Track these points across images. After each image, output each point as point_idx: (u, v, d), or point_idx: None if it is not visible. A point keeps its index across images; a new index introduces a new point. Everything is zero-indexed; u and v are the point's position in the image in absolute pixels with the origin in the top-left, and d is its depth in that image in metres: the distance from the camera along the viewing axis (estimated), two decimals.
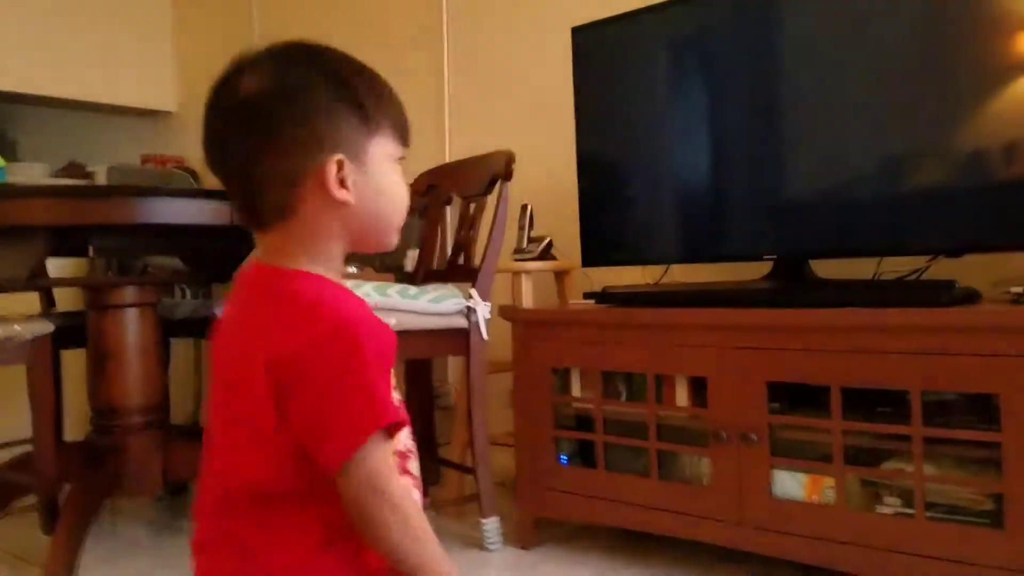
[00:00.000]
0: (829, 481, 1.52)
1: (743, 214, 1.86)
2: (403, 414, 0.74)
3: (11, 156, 2.24)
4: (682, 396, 1.73)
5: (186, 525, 2.23)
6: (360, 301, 0.77)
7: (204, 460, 0.79)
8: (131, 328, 2.02)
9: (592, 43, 2.04)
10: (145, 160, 3.44)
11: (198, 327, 2.53)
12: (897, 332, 1.43)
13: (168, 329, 2.33)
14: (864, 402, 1.50)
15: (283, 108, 0.75)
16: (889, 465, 1.49)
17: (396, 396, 0.78)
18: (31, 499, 2.03)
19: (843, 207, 1.71)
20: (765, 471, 1.58)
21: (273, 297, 0.76)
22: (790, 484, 1.57)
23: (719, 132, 1.89)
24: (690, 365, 1.69)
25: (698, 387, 1.69)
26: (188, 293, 3.05)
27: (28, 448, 2.23)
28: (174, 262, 2.67)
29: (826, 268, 1.81)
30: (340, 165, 0.76)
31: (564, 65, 2.11)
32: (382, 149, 0.80)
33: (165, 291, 2.76)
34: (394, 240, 0.83)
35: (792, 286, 1.78)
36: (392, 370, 0.77)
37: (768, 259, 1.83)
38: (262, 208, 0.76)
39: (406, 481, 0.80)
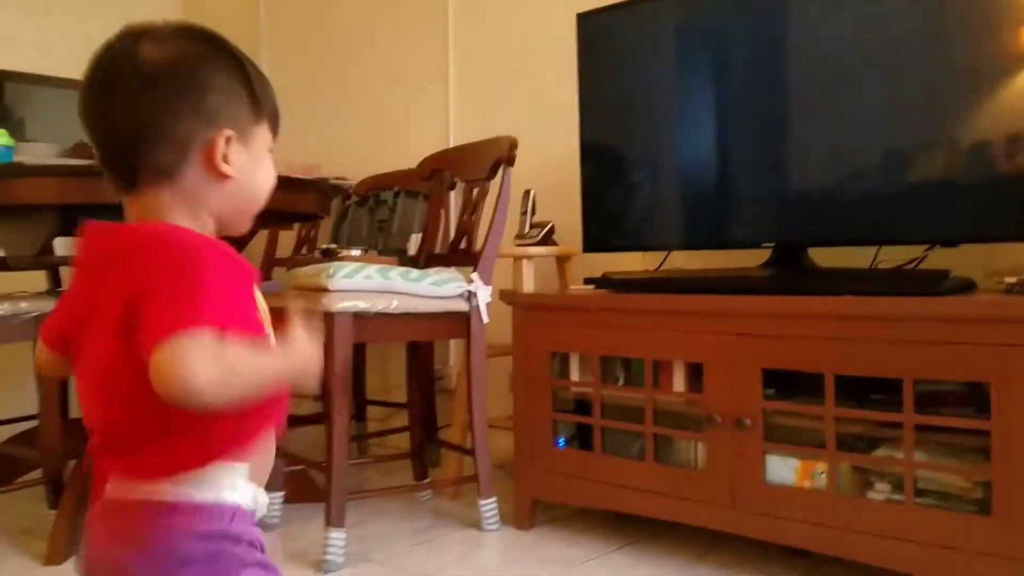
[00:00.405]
0: (821, 467, 1.54)
1: (743, 201, 1.87)
2: (255, 331, 0.75)
3: (20, 136, 2.27)
4: (679, 381, 1.74)
5: None
6: (224, 244, 0.77)
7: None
8: None
9: (597, 29, 2.05)
10: None
11: None
12: (891, 320, 1.45)
13: None
14: (857, 389, 1.51)
15: (186, 77, 0.78)
16: (880, 452, 1.51)
17: (266, 329, 0.79)
18: (37, 474, 2.07)
19: (842, 196, 1.72)
20: (758, 456, 1.60)
21: (138, 244, 0.76)
22: (783, 469, 1.59)
23: (722, 120, 1.90)
24: (687, 351, 1.71)
25: (695, 372, 1.71)
26: None
27: (33, 424, 2.27)
28: None
29: (824, 257, 1.83)
30: (228, 141, 0.79)
31: (568, 51, 2.11)
32: (263, 136, 0.83)
33: None
34: (247, 226, 0.85)
35: (789, 273, 1.79)
36: (261, 309, 0.79)
37: (767, 246, 1.85)
38: (143, 168, 0.77)
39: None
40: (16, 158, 1.97)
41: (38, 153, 2.24)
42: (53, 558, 1.78)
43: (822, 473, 1.54)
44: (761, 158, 1.82)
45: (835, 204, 1.73)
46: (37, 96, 3.39)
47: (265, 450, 0.82)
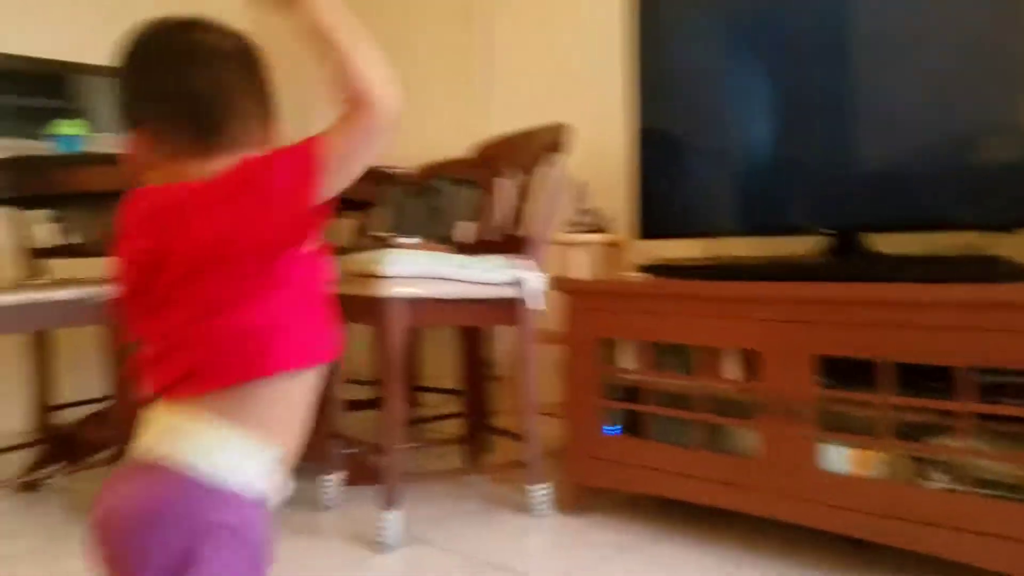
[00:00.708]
0: (876, 455, 1.53)
1: (801, 187, 1.85)
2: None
3: (88, 126, 2.37)
4: (732, 369, 1.74)
5: None
6: None
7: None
8: None
9: (654, 12, 2.04)
10: None
11: None
12: (948, 307, 1.43)
13: None
14: (912, 377, 1.49)
15: (265, 66, 0.86)
16: (936, 440, 1.49)
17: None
18: (108, 454, 2.16)
19: (901, 180, 1.69)
20: (812, 444, 1.59)
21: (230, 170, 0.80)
22: (836, 458, 1.58)
23: (779, 104, 1.88)
24: (740, 338, 1.70)
25: (748, 360, 1.70)
26: None
27: (103, 405, 2.37)
28: None
29: (881, 243, 1.80)
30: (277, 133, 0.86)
31: (618, 37, 2.11)
32: None
33: None
34: None
35: (844, 260, 1.77)
36: None
37: (824, 233, 1.83)
38: (219, 133, 0.81)
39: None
40: (86, 148, 2.06)
41: (106, 143, 2.33)
42: None
43: (877, 462, 1.53)
44: (819, 143, 1.80)
45: (894, 189, 1.70)
46: (100, 87, 3.51)
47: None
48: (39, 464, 2.25)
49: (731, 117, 1.94)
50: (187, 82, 0.81)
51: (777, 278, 1.68)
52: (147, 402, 0.80)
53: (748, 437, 1.74)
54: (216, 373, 0.76)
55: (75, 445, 2.29)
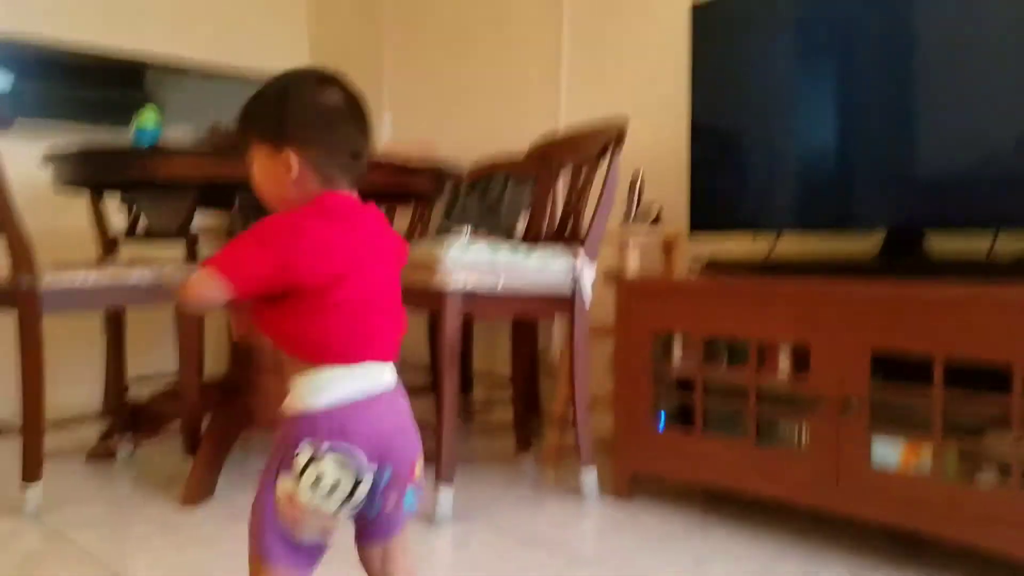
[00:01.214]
0: (927, 450, 1.54)
1: (858, 184, 1.86)
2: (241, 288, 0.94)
3: (162, 119, 2.50)
4: (784, 363, 1.76)
5: None
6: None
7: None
8: None
9: (713, 7, 2.07)
10: None
11: None
12: (1003, 307, 1.43)
13: None
14: (965, 373, 1.50)
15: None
16: (988, 437, 1.50)
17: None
18: (177, 425, 2.27)
19: (960, 180, 1.69)
20: (864, 439, 1.60)
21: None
22: (888, 452, 1.59)
23: (837, 99, 1.89)
24: (794, 333, 1.72)
25: (800, 355, 1.72)
26: None
27: (173, 380, 2.48)
28: None
29: (939, 242, 1.80)
30: None
31: (678, 32, 2.14)
32: None
33: None
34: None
35: (901, 258, 1.78)
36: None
37: (881, 230, 1.84)
38: (359, 180, 1.06)
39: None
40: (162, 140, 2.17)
41: (178, 135, 2.44)
42: (189, 500, 1.96)
43: (928, 457, 1.54)
44: (878, 140, 1.81)
45: (953, 188, 1.70)
46: (175, 82, 3.65)
47: None
48: (110, 435, 2.37)
49: (788, 112, 1.96)
50: (366, 142, 1.07)
51: (832, 275, 1.69)
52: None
53: (798, 431, 1.75)
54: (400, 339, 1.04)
55: (145, 418, 2.40)
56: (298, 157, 0.99)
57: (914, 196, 1.77)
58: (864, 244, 1.89)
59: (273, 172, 1.01)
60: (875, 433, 1.60)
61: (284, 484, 0.94)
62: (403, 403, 1.01)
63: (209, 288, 0.92)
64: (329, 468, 0.93)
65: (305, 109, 1.02)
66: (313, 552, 0.98)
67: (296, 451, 0.93)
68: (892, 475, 1.57)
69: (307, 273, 0.94)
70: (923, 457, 1.55)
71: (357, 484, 0.94)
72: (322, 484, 0.93)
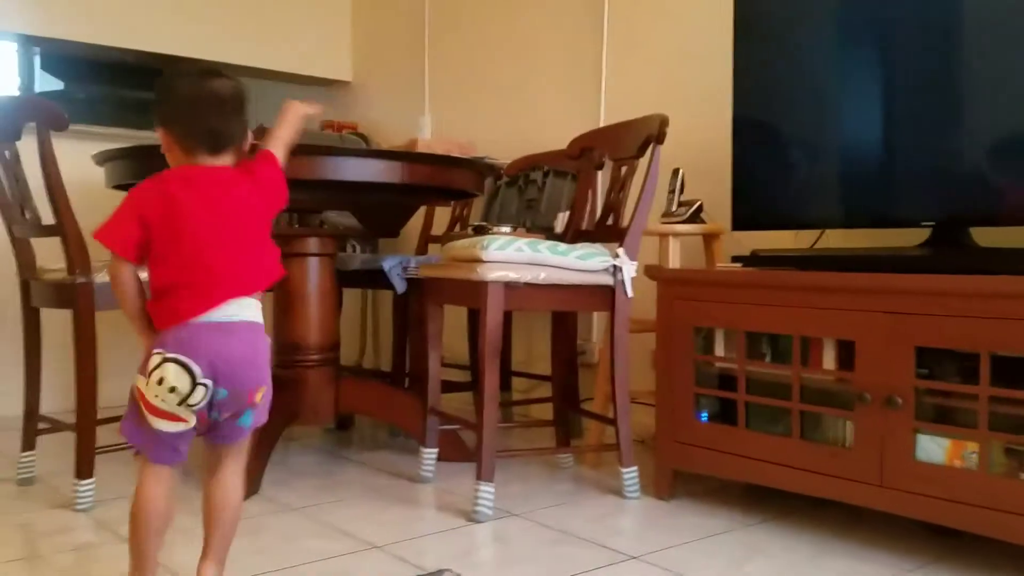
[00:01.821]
0: (972, 446, 1.51)
1: (903, 178, 1.83)
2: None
3: None
4: (828, 359, 1.74)
5: (351, 456, 2.47)
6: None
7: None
8: (313, 275, 2.26)
9: (755, 7, 2.05)
10: (323, 126, 3.72)
11: (367, 279, 2.75)
12: None
13: (341, 279, 2.56)
14: (1011, 369, 1.47)
15: (247, 101, 1.31)
16: None
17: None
18: None
19: (1005, 173, 1.66)
20: (909, 435, 1.58)
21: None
22: (932, 448, 1.56)
23: (881, 95, 1.86)
24: (838, 328, 1.70)
25: (845, 350, 1.70)
26: (358, 248, 3.30)
27: None
28: (348, 219, 2.91)
29: (983, 236, 1.76)
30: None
31: (720, 27, 2.13)
32: None
33: (340, 245, 3.01)
34: None
35: (946, 252, 1.75)
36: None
37: (926, 225, 1.81)
38: (224, 149, 1.27)
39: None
40: None
41: None
42: None
43: (973, 453, 1.51)
44: (922, 134, 1.78)
45: (997, 181, 1.67)
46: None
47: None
48: None
49: (831, 107, 1.94)
50: (221, 121, 1.27)
51: (876, 269, 1.67)
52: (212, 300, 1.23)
53: (842, 426, 1.73)
54: (259, 282, 1.28)
55: None
56: (165, 134, 1.27)
57: (960, 191, 1.74)
58: (909, 238, 1.86)
59: (162, 146, 1.28)
60: (920, 429, 1.57)
61: (137, 381, 1.21)
62: (256, 338, 1.25)
63: (112, 265, 1.24)
64: (169, 373, 1.18)
65: (173, 97, 1.28)
66: (169, 443, 1.23)
67: (149, 358, 1.20)
68: (937, 472, 1.55)
69: (155, 224, 1.21)
70: (968, 453, 1.52)
71: (193, 389, 1.18)
72: (163, 385, 1.18)
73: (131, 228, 1.21)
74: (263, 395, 1.26)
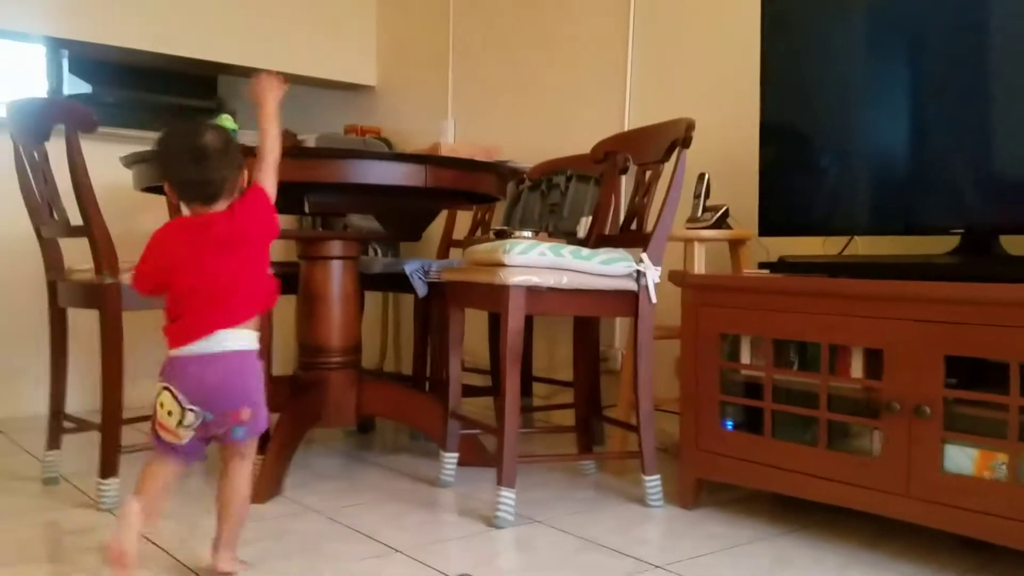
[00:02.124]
0: (1002, 457, 1.48)
1: (933, 185, 1.80)
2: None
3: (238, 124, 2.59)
4: (856, 367, 1.72)
5: (372, 459, 2.47)
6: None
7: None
8: (336, 277, 2.27)
9: (783, 7, 2.04)
10: (348, 130, 3.74)
11: (389, 282, 2.75)
12: None
13: (363, 282, 2.56)
14: None
15: (237, 147, 1.49)
16: None
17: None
18: None
19: None
20: (937, 445, 1.55)
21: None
22: (961, 459, 1.53)
23: (911, 101, 1.83)
24: (867, 336, 1.68)
25: (873, 358, 1.68)
26: (380, 251, 3.31)
27: None
28: (371, 223, 2.91)
29: (1014, 245, 1.73)
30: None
31: (747, 33, 2.11)
32: None
33: (363, 248, 3.01)
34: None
35: (976, 260, 1.72)
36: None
37: (955, 233, 1.78)
38: (216, 198, 1.44)
39: None
40: None
41: (251, 139, 2.51)
42: (258, 497, 2.00)
43: (1003, 464, 1.48)
44: (952, 141, 1.75)
45: None
46: (246, 90, 3.76)
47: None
48: None
49: (860, 113, 1.91)
50: (201, 173, 1.43)
51: (905, 277, 1.64)
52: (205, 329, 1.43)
53: (869, 436, 1.71)
54: (245, 314, 1.45)
55: None
56: (167, 186, 1.48)
57: (990, 198, 1.71)
58: (938, 245, 1.83)
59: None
60: (948, 439, 1.55)
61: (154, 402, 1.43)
62: (242, 365, 1.43)
63: (132, 280, 1.48)
64: (165, 399, 1.40)
65: (163, 153, 1.47)
66: (177, 452, 1.44)
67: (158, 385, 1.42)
68: (965, 483, 1.52)
69: (160, 266, 1.43)
70: (998, 464, 1.49)
71: (184, 414, 1.39)
72: (163, 409, 1.41)
73: (144, 267, 1.46)
74: (250, 413, 1.44)
